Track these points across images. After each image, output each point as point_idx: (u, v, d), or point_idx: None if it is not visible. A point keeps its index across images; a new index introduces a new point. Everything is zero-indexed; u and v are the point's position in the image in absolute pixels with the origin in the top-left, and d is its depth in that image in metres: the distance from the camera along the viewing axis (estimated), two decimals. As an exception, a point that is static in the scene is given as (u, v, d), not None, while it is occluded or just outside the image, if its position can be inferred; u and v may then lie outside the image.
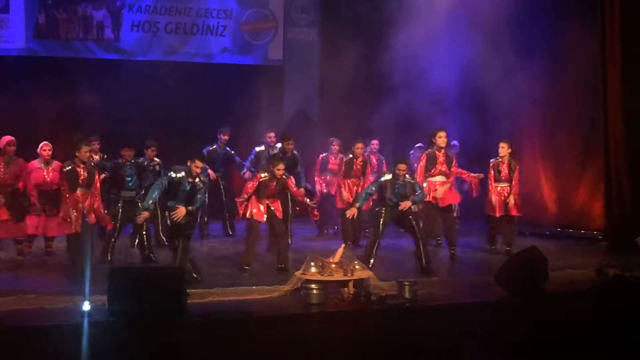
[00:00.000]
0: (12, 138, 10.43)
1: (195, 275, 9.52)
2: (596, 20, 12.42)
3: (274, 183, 10.55)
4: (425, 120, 13.74)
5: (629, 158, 12.22)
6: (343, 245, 9.56)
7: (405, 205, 10.40)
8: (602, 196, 12.74)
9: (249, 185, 10.63)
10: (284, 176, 10.68)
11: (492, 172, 11.78)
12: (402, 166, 10.50)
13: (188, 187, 9.58)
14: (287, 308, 8.29)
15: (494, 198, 11.73)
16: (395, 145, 14.54)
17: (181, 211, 9.41)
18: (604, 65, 12.30)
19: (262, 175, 10.61)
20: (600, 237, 12.87)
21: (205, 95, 15.61)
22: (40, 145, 10.86)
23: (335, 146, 13.56)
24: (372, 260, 10.31)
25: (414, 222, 10.49)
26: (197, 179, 9.65)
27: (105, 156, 12.36)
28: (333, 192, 13.24)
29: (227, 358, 6.98)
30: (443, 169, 11.42)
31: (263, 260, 11.05)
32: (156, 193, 9.63)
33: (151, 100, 15.21)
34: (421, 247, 10.32)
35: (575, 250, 12.01)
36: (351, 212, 10.68)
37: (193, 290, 8.43)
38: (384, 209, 10.58)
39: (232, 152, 13.72)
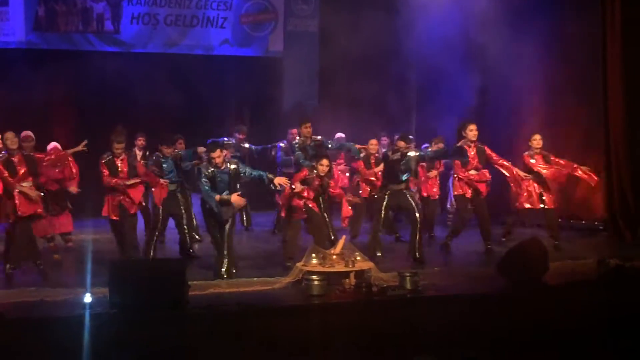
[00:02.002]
0: (29, 134, 10.49)
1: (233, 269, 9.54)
2: (596, 9, 12.40)
3: (318, 182, 10.27)
4: (428, 110, 13.79)
5: (629, 148, 12.23)
6: (344, 236, 9.56)
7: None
8: (603, 186, 12.73)
9: (297, 178, 10.29)
10: (327, 176, 10.42)
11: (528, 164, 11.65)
12: (401, 143, 10.55)
13: (226, 178, 9.55)
14: (289, 299, 8.30)
15: (530, 190, 11.63)
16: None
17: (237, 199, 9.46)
18: (605, 54, 12.30)
19: (309, 173, 10.33)
20: (601, 228, 12.87)
21: (205, 87, 15.59)
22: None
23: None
24: (378, 253, 10.45)
25: (415, 207, 10.59)
26: (229, 165, 9.62)
27: (148, 152, 12.46)
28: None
29: (228, 349, 6.98)
30: (475, 162, 11.15)
31: (263, 253, 11.06)
32: (210, 190, 9.49)
33: (151, 93, 15.17)
34: (416, 236, 10.40)
35: (576, 241, 12.00)
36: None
37: (194, 282, 8.43)
38: (387, 193, 10.59)
39: (253, 147, 13.57)
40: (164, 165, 10.72)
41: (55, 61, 14.82)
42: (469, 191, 11.21)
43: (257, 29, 16.75)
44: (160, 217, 10.60)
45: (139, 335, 7.07)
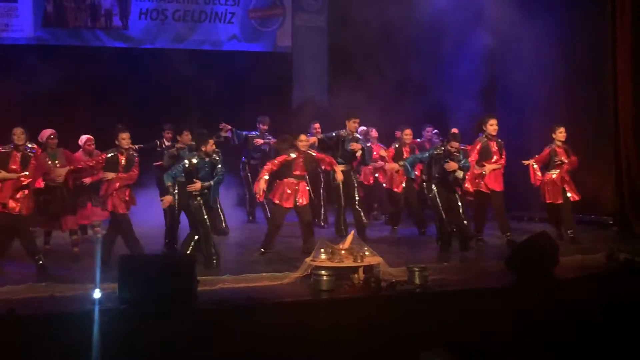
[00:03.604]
0: (54, 131, 10.50)
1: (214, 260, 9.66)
2: (606, 3, 12.38)
3: (301, 159, 10.54)
4: (438, 104, 13.78)
5: (639, 142, 12.16)
6: (352, 231, 9.56)
7: (451, 166, 10.42)
8: (613, 181, 12.69)
9: (267, 167, 10.51)
10: (309, 150, 10.66)
11: (551, 158, 11.45)
12: (455, 144, 10.56)
13: (207, 167, 9.74)
14: (297, 294, 8.28)
15: (552, 185, 11.44)
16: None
17: (197, 185, 9.62)
18: (614, 44, 12.25)
19: (288, 156, 10.56)
20: (610, 222, 12.82)
21: (213, 82, 15.59)
22: (84, 140, 11.23)
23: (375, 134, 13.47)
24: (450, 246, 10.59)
25: (459, 202, 10.64)
26: (213, 156, 9.84)
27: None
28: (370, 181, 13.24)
29: (237, 344, 6.99)
30: (496, 158, 11.18)
31: (274, 247, 11.07)
32: (171, 180, 9.82)
33: (159, 88, 15.22)
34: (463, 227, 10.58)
35: (585, 236, 11.94)
36: (393, 167, 11.25)
37: (204, 277, 8.44)
38: (435, 188, 10.62)
39: (270, 137, 13.57)
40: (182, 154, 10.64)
41: (63, 57, 14.82)
42: (484, 185, 11.17)
43: (265, 24, 16.76)
44: (176, 212, 10.58)
45: (148, 331, 7.08)
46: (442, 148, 10.69)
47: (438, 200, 10.65)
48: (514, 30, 13.36)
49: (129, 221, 10.07)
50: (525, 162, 11.41)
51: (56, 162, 10.35)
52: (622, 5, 12.13)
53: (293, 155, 10.57)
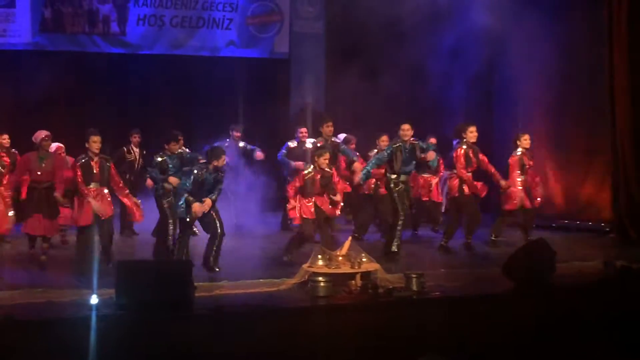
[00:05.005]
0: (49, 133, 10.31)
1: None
2: (602, 8, 12.42)
3: (319, 176, 10.38)
4: (434, 111, 13.78)
5: (636, 149, 12.20)
6: (350, 237, 9.56)
7: (430, 156, 10.50)
8: (610, 188, 12.71)
9: (291, 189, 10.45)
10: (328, 168, 10.50)
11: (518, 164, 11.54)
12: (406, 126, 10.48)
13: (211, 180, 9.70)
14: (295, 301, 8.28)
15: (519, 190, 11.52)
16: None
17: (208, 204, 9.60)
18: (611, 55, 12.28)
19: (306, 172, 10.46)
20: (607, 229, 12.84)
21: (211, 88, 15.62)
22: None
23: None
24: (396, 244, 10.52)
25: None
26: (219, 172, 9.76)
27: (144, 152, 12.43)
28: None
29: (234, 350, 6.99)
30: (475, 165, 11.20)
31: (269, 254, 11.06)
32: (184, 192, 9.64)
33: (157, 94, 15.22)
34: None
35: (582, 243, 11.97)
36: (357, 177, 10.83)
37: (201, 283, 8.44)
38: (402, 185, 10.54)
39: (248, 146, 13.55)
40: (170, 165, 10.31)
41: (61, 63, 14.83)
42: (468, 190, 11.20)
43: (262, 30, 16.76)
44: (171, 219, 10.29)
45: (145, 337, 7.07)
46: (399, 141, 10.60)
47: (405, 196, 10.60)
48: (510, 45, 13.41)
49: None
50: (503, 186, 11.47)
51: (43, 164, 10.09)
52: (619, 16, 12.15)
53: (308, 171, 10.45)
